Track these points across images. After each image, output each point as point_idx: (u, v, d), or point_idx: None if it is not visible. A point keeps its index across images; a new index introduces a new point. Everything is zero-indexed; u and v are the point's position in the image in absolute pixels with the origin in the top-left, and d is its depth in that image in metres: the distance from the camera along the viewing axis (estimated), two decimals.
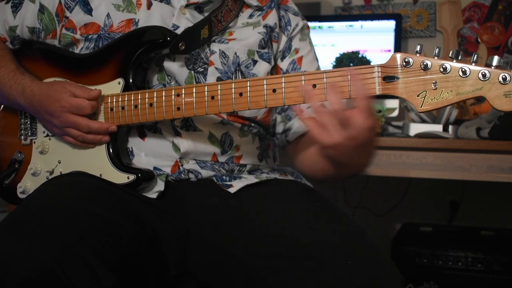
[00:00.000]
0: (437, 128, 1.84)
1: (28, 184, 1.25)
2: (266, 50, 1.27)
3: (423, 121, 1.91)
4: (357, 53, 1.98)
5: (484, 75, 0.90)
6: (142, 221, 1.08)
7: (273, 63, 1.29)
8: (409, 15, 2.40)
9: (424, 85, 0.94)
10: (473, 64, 0.91)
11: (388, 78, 0.96)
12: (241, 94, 1.05)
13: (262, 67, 1.26)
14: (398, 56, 0.96)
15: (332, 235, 1.03)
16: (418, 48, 0.95)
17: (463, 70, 0.91)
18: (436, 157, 1.72)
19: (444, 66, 0.92)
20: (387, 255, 1.03)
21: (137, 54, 1.16)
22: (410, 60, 0.95)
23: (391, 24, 2.22)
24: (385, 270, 0.99)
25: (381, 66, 0.96)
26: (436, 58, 0.94)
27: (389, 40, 2.20)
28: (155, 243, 1.09)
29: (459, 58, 0.93)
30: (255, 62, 1.25)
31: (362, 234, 1.05)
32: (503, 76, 0.89)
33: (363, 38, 2.22)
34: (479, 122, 1.75)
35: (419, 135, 1.83)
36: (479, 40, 2.32)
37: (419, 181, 2.25)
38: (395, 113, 1.97)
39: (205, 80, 1.21)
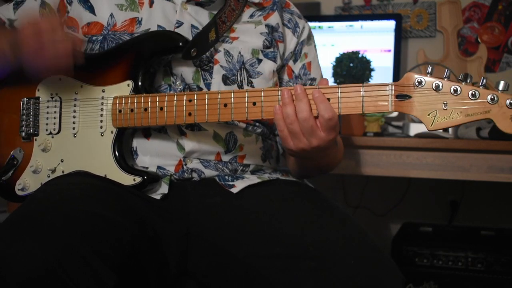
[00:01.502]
0: None
1: (28, 181, 1.24)
2: (271, 50, 1.28)
3: None
4: (357, 53, 1.98)
5: (492, 99, 0.95)
6: (143, 221, 1.08)
7: (279, 61, 1.30)
8: (409, 15, 2.40)
9: (435, 105, 0.98)
10: (482, 87, 0.96)
11: (401, 97, 1.00)
12: (254, 104, 1.07)
13: (267, 66, 1.27)
14: (412, 75, 1.00)
15: (333, 235, 1.04)
16: (430, 69, 0.99)
17: (473, 93, 0.96)
18: (436, 157, 1.72)
19: (455, 88, 0.97)
20: (388, 254, 1.04)
21: (149, 58, 1.16)
22: (423, 80, 0.99)
23: (391, 24, 2.22)
24: (386, 270, 0.99)
25: (395, 84, 1.00)
26: (446, 79, 0.98)
27: (389, 40, 2.20)
28: (156, 243, 1.09)
29: (468, 81, 0.97)
30: (260, 60, 1.26)
31: (363, 234, 1.05)
32: (510, 101, 0.94)
33: (363, 38, 2.22)
34: (479, 122, 1.75)
35: (419, 135, 1.83)
36: (479, 40, 2.32)
37: (419, 181, 2.25)
38: (395, 113, 1.97)
39: (211, 77, 1.22)
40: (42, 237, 0.90)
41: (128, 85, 1.17)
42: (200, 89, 1.22)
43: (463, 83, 0.97)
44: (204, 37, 1.19)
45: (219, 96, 1.09)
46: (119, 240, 0.98)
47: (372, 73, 1.94)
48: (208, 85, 1.22)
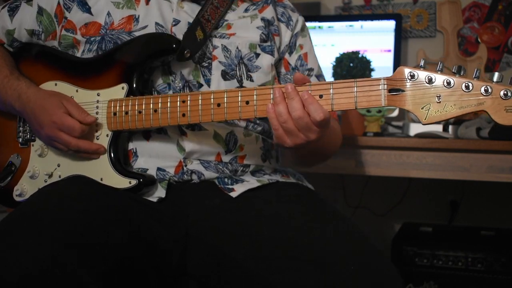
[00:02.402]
0: (437, 128, 1.83)
1: (25, 187, 1.24)
2: (268, 43, 1.29)
3: None
4: (357, 53, 1.98)
5: (486, 91, 0.93)
6: (139, 225, 1.07)
7: (276, 55, 1.30)
8: (409, 15, 2.40)
9: (428, 98, 0.97)
10: (475, 79, 0.94)
11: (394, 91, 0.99)
12: (247, 103, 1.06)
13: (265, 60, 1.27)
14: (404, 69, 0.98)
15: (333, 238, 1.04)
16: (422, 63, 0.98)
17: (466, 85, 0.94)
18: (436, 157, 1.72)
19: (448, 81, 0.95)
20: (388, 258, 1.04)
21: (143, 61, 1.16)
22: (416, 74, 0.97)
23: (391, 24, 2.22)
24: (387, 274, 0.99)
25: (387, 79, 0.99)
26: (439, 72, 0.96)
27: (389, 40, 2.20)
28: (153, 246, 1.09)
29: (461, 74, 0.95)
30: (257, 55, 1.27)
31: (362, 238, 1.05)
32: (505, 92, 0.92)
33: (363, 38, 2.22)
34: (479, 122, 1.75)
35: (419, 135, 1.83)
36: (479, 40, 2.32)
37: (419, 181, 2.24)
38: (395, 113, 1.97)
39: (210, 74, 1.22)
40: (29, 244, 0.89)
41: (123, 88, 1.17)
42: (200, 85, 1.21)
43: (457, 76, 0.95)
44: (192, 37, 1.19)
45: (212, 96, 1.09)
46: (111, 247, 0.97)
47: (372, 73, 1.94)
48: (207, 81, 1.22)
